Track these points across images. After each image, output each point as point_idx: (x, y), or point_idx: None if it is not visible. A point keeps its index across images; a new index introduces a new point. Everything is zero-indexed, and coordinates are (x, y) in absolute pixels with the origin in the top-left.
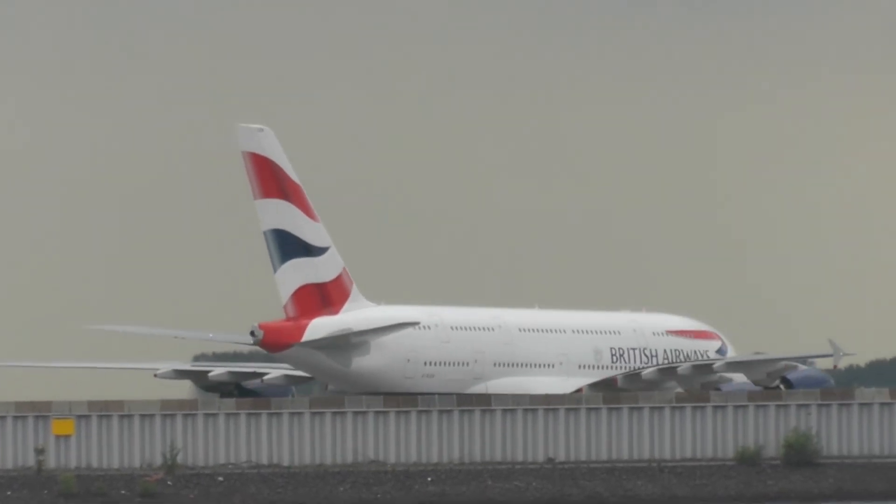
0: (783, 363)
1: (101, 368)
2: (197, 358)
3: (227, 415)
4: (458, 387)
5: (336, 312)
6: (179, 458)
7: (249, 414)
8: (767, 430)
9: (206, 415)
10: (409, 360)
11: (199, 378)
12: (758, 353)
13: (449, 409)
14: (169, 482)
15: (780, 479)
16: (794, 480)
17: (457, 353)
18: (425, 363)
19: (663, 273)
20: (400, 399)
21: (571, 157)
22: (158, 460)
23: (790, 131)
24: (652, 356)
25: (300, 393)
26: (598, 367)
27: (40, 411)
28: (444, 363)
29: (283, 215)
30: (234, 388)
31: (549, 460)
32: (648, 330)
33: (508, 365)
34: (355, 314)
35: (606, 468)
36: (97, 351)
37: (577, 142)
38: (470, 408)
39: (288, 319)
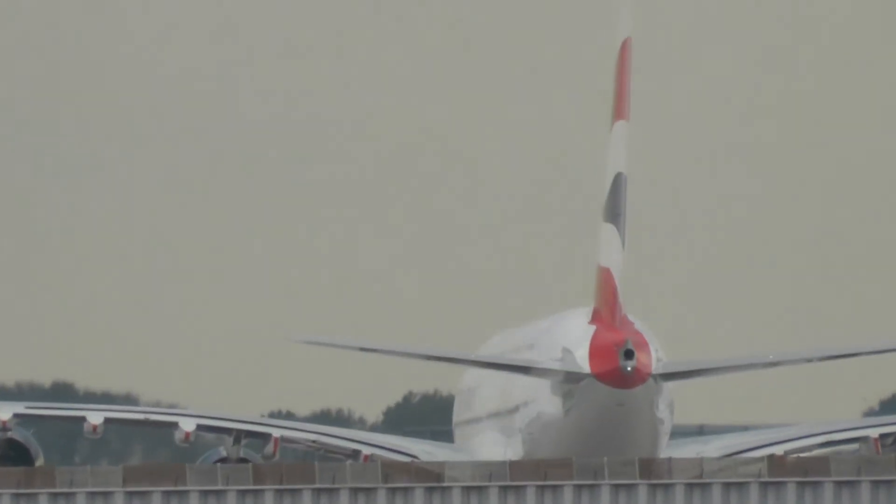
0: None
1: None
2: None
3: None
4: None
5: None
6: None
7: (18, 496)
8: None
9: None
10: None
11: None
12: None
13: (370, 486)
14: None
15: None
16: None
17: None
18: None
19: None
20: (282, 468)
21: None
22: None
23: None
24: None
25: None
26: None
27: None
28: None
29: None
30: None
31: None
32: None
33: None
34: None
35: None
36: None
37: None
38: (406, 485)
39: (617, 330)
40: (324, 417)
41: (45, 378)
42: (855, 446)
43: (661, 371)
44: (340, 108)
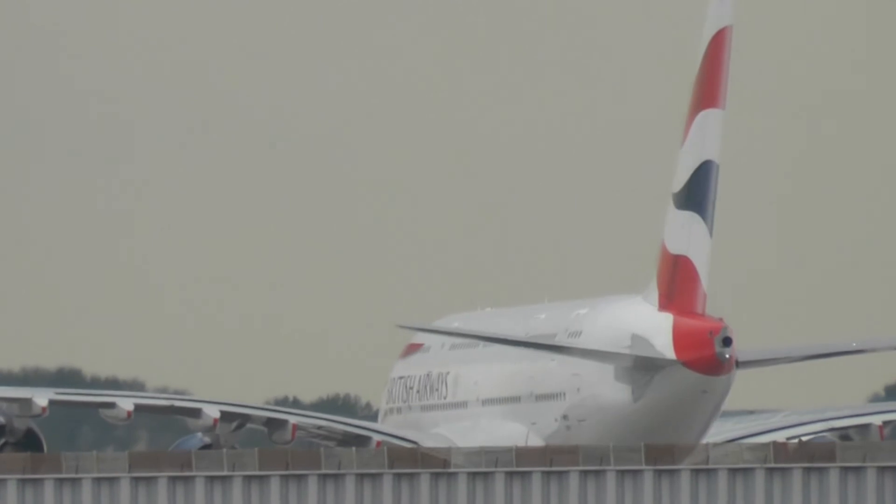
0: None
1: None
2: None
3: None
4: None
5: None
6: None
7: (24, 481)
8: None
9: None
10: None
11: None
12: None
13: (376, 472)
14: None
15: None
16: None
17: None
18: None
19: None
20: (288, 454)
21: None
22: None
23: None
24: None
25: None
26: None
27: None
28: None
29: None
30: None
31: None
32: None
33: None
34: None
35: None
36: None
37: None
38: (411, 470)
39: (707, 318)
40: (330, 404)
41: (51, 364)
42: (826, 435)
43: (746, 359)
44: (387, 89)
